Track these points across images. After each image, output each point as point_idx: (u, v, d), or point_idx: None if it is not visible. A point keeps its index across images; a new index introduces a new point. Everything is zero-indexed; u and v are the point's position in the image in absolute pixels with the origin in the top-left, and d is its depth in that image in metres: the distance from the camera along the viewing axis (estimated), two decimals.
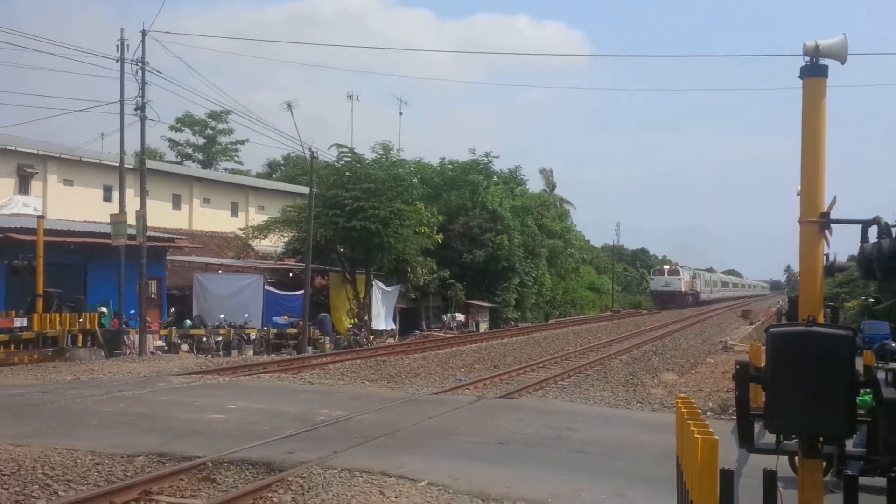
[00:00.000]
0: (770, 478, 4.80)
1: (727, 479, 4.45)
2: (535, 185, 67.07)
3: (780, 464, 5.40)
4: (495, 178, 50.99)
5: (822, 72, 5.62)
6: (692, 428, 4.77)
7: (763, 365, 5.22)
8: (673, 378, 20.20)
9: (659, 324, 45.61)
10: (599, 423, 13.33)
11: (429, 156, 55.40)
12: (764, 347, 5.56)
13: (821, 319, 5.33)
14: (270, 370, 19.92)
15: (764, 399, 5.13)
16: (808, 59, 5.62)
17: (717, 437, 4.40)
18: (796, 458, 5.29)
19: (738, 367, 5.34)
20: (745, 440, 5.30)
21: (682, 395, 11.34)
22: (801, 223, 5.50)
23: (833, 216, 5.56)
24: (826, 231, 5.54)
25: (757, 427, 5.44)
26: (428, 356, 23.80)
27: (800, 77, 5.66)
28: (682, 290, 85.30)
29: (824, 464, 5.62)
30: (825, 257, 5.58)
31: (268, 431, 11.50)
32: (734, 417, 6.93)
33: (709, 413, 14.01)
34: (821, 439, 5.12)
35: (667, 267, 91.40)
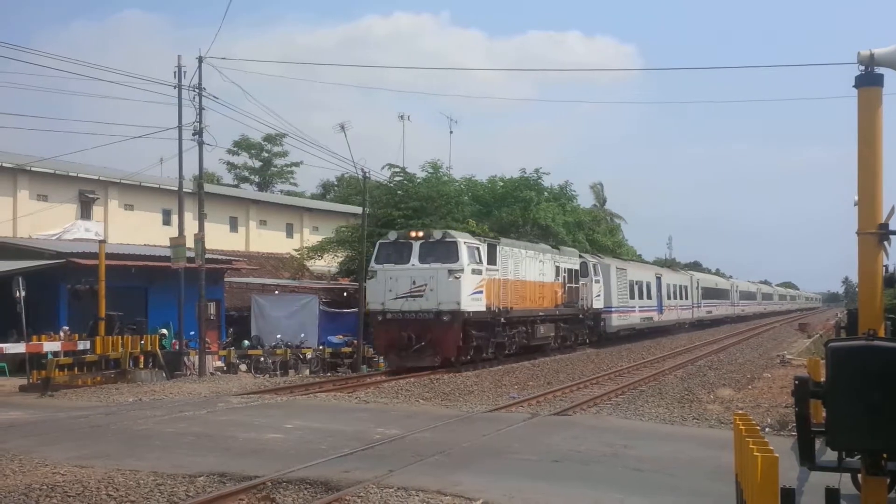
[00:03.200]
0: (832, 496, 4.73)
1: (788, 497, 4.40)
2: (585, 200, 66.85)
3: (843, 481, 5.31)
4: (546, 194, 50.90)
5: (877, 80, 5.56)
6: (751, 445, 4.72)
7: (823, 380, 5.15)
8: (729, 393, 19.86)
9: (713, 338, 44.93)
10: (655, 440, 13.18)
11: (480, 173, 55.63)
12: (823, 362, 5.47)
13: (881, 333, 5.24)
14: (326, 389, 20.07)
15: (825, 415, 5.05)
16: (862, 68, 5.56)
17: (777, 455, 4.34)
18: (859, 475, 5.20)
19: (797, 382, 5.27)
20: (807, 457, 5.22)
21: (740, 411, 11.23)
22: (860, 234, 5.43)
23: (893, 226, 5.48)
24: (885, 242, 5.46)
25: (818, 443, 5.36)
26: (481, 373, 23.76)
27: (854, 87, 5.60)
28: None
29: (888, 481, 5.49)
30: (884, 268, 5.49)
31: (325, 450, 11.60)
32: (794, 434, 6.81)
33: (767, 429, 13.76)
34: (884, 456, 5.02)
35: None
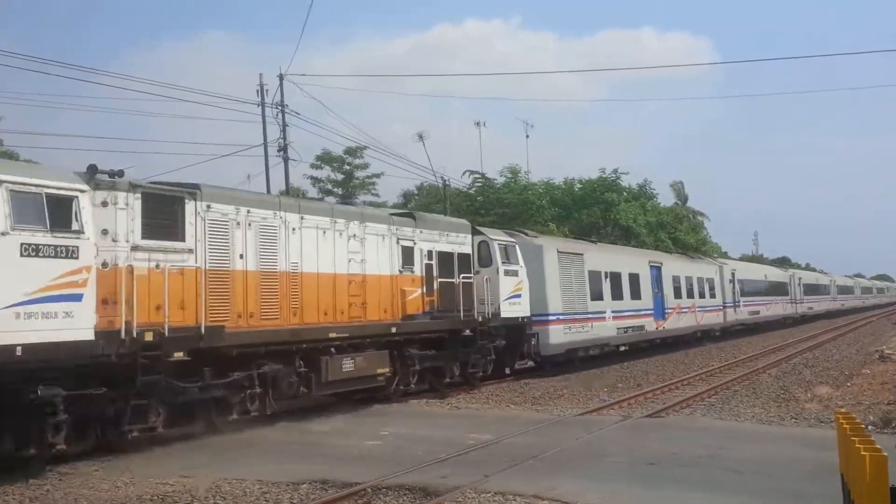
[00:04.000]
0: None
1: None
2: (666, 199, 65.83)
3: None
4: (625, 194, 50.43)
5: None
6: (858, 444, 4.70)
7: None
8: (828, 391, 19.41)
9: (807, 335, 43.69)
10: (752, 440, 13.00)
11: (557, 176, 55.35)
12: None
13: None
14: (418, 396, 20.20)
15: None
16: None
17: (885, 454, 4.32)
18: None
19: None
20: None
21: (841, 409, 10.98)
22: None
23: None
24: None
25: None
26: (570, 377, 23.70)
27: None
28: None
29: None
30: None
31: (421, 456, 11.79)
32: None
33: (870, 427, 13.42)
34: None
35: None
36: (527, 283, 22.90)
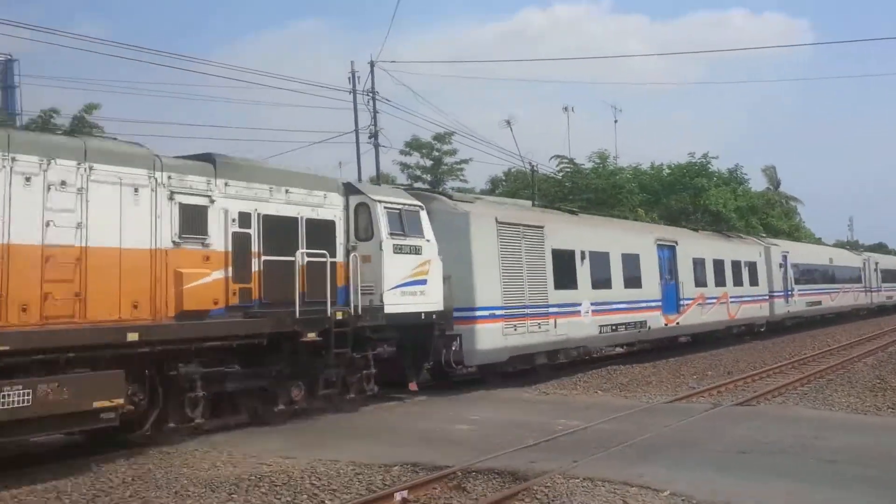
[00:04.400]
0: None
1: None
2: (757, 183, 64.30)
3: None
4: (715, 179, 49.43)
5: None
6: None
7: None
8: None
9: None
10: (847, 430, 12.75)
11: (645, 160, 54.61)
12: None
13: None
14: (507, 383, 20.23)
15: None
16: None
17: None
18: None
19: None
20: None
21: None
22: None
23: None
24: None
25: None
26: (658, 364, 23.50)
27: None
28: None
29: None
30: None
31: (509, 441, 11.92)
32: None
33: None
34: None
35: None
36: (439, 266, 16.49)
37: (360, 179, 28.11)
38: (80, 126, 30.70)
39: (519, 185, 43.74)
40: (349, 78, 27.26)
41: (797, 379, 19.60)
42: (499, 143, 55.23)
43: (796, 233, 59.51)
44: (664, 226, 32.90)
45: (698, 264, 28.41)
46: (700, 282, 28.17)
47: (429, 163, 42.72)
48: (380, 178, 28.60)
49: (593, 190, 34.28)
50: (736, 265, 31.65)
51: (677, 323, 26.25)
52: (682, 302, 26.60)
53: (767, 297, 34.11)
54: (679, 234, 28.97)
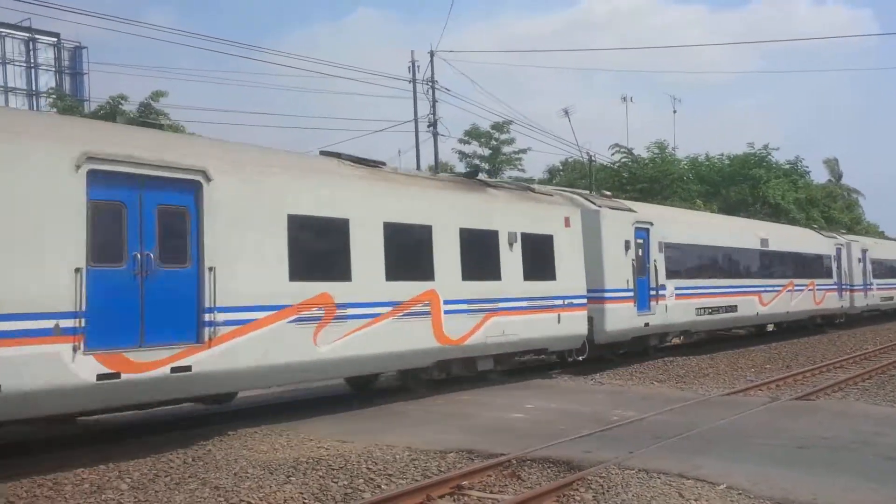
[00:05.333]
0: None
1: None
2: (819, 175, 63.10)
3: None
4: (774, 170, 48.63)
5: None
6: None
7: None
8: None
9: None
10: None
11: (706, 151, 53.95)
12: None
13: None
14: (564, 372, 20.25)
15: None
16: None
17: None
18: None
19: None
20: None
21: None
22: None
23: None
24: None
25: None
26: (716, 356, 23.28)
27: None
28: None
29: None
30: None
31: (564, 430, 11.96)
32: None
33: None
34: None
35: None
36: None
37: (418, 167, 28.28)
38: (147, 113, 31.34)
39: (576, 174, 43.55)
40: (409, 67, 27.40)
41: (858, 374, 19.27)
42: (556, 133, 55.12)
43: (857, 226, 58.25)
44: (761, 221, 34.09)
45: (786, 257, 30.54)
46: (788, 273, 30.38)
47: (487, 152, 42.74)
48: (438, 167, 28.70)
49: (647, 179, 33.91)
50: (818, 258, 33.35)
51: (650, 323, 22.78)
52: (772, 289, 28.91)
53: (846, 289, 35.36)
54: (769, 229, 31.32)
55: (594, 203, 20.99)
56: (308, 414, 13.54)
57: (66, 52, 49.61)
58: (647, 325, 21.76)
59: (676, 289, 23.21)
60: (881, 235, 59.63)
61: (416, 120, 26.95)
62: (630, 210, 22.43)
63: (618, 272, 20.73)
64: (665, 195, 34.45)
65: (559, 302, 18.28)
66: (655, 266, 22.30)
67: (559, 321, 18.27)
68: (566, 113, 31.45)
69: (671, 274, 23.02)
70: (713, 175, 47.32)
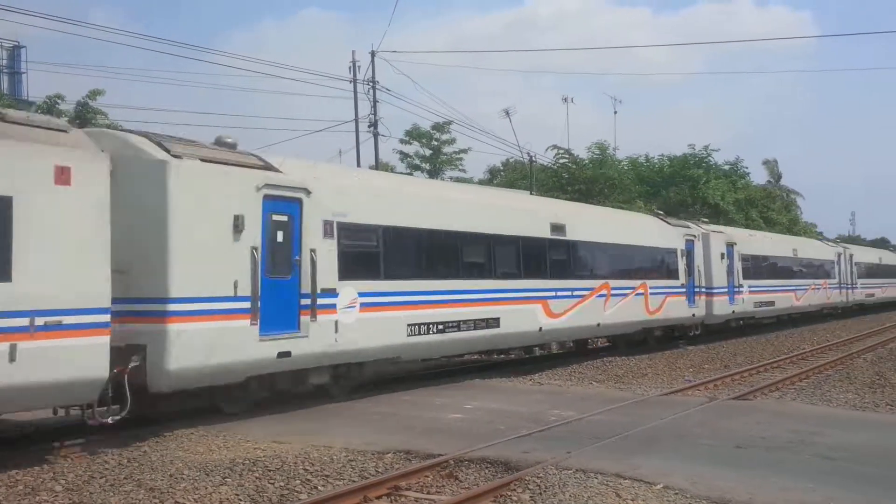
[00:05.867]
0: None
1: None
2: (759, 177, 64.39)
3: None
4: (714, 171, 49.46)
5: None
6: None
7: None
8: None
9: None
10: (845, 427, 12.64)
11: (648, 152, 54.71)
12: None
13: None
14: (501, 372, 20.21)
15: None
16: None
17: None
18: None
19: None
20: None
21: None
22: None
23: None
24: None
25: None
26: (654, 356, 23.43)
27: None
28: None
29: None
30: None
31: (503, 431, 11.85)
32: None
33: None
34: None
35: None
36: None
37: (358, 166, 28.02)
38: (84, 112, 30.59)
39: (517, 175, 43.70)
40: (349, 67, 27.16)
41: (795, 374, 19.53)
42: (498, 134, 55.33)
43: (795, 226, 59.51)
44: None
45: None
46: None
47: (428, 152, 42.62)
48: (378, 167, 28.47)
49: (585, 181, 34.15)
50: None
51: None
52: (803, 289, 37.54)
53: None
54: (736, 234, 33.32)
55: (703, 228, 28.94)
56: (245, 415, 13.23)
57: (5, 52, 48.32)
58: (733, 312, 29.95)
59: (749, 287, 31.19)
60: (818, 236, 60.95)
61: (356, 120, 26.79)
62: (722, 233, 30.30)
63: (720, 277, 28.65)
64: (604, 196, 34.69)
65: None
66: (737, 271, 30.25)
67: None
68: (507, 113, 31.55)
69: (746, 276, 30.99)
70: (654, 176, 47.88)
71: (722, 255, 29.24)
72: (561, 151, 40.75)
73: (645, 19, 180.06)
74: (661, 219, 28.25)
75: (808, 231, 65.48)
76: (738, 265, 30.59)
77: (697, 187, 46.14)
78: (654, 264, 25.53)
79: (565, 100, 52.05)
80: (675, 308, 26.07)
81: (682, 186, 46.36)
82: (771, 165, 72.00)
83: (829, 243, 46.99)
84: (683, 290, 26.53)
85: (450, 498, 8.75)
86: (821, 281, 40.61)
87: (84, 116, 29.74)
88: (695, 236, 27.93)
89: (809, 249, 41.36)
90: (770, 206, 56.62)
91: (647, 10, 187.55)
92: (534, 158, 32.30)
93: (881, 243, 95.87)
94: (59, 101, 30.81)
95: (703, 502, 8.49)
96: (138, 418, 11.76)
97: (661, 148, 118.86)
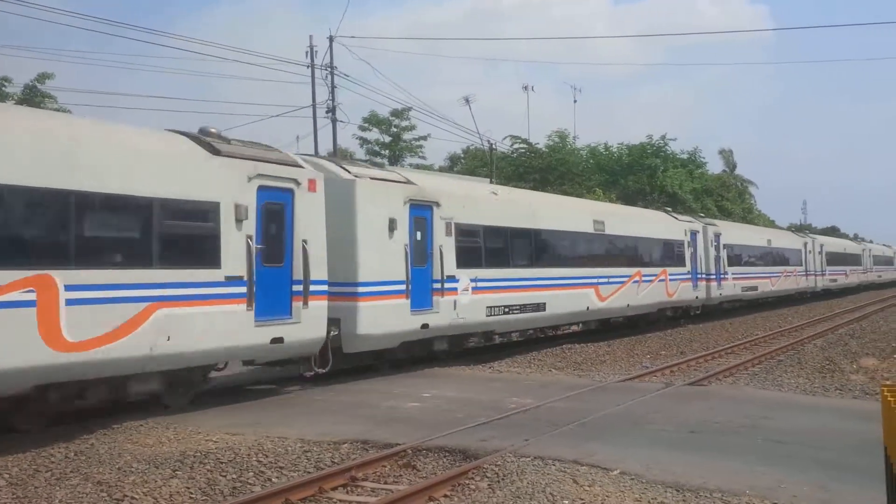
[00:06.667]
0: None
1: None
2: (715, 166, 65.18)
3: None
4: (672, 161, 49.94)
5: None
6: None
7: None
8: (874, 363, 19.13)
9: (854, 305, 43.08)
10: (796, 411, 12.87)
11: (608, 142, 55.13)
12: None
13: None
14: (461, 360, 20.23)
15: None
16: None
17: None
18: None
19: None
20: None
21: (887, 381, 10.83)
22: None
23: None
24: None
25: None
26: (613, 343, 23.64)
27: None
28: None
29: None
30: None
31: (461, 419, 11.86)
32: None
33: None
34: None
35: None
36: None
37: (316, 153, 27.80)
38: (32, 95, 30.03)
39: (477, 162, 43.71)
40: (307, 52, 26.91)
41: (749, 360, 19.82)
42: (459, 121, 55.23)
43: (749, 215, 60.35)
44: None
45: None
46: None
47: (387, 138, 42.46)
48: (337, 153, 28.29)
49: (542, 169, 34.31)
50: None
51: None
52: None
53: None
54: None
55: (701, 222, 32.38)
56: (198, 406, 13.09)
57: None
58: (722, 294, 34.04)
59: (733, 274, 34.76)
60: (772, 224, 61.93)
61: (314, 105, 26.53)
62: (715, 225, 34.04)
63: (713, 265, 32.71)
64: (561, 184, 34.88)
65: None
66: (723, 259, 33.64)
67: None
68: (467, 101, 31.49)
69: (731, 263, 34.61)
70: (613, 164, 48.23)
71: (714, 245, 33.18)
72: (518, 140, 40.92)
73: (605, 9, 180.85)
74: (669, 214, 32.39)
75: (763, 219, 66.42)
76: (723, 254, 34.11)
77: (656, 176, 46.55)
78: (669, 254, 29.52)
79: (525, 88, 52.13)
80: (685, 292, 30.51)
81: (641, 175, 46.75)
82: (726, 155, 72.97)
83: (799, 234, 51.18)
84: (689, 275, 30.73)
85: (407, 487, 8.72)
86: (792, 268, 44.62)
87: (32, 100, 29.22)
88: (696, 230, 31.91)
89: (782, 240, 45.52)
90: (725, 196, 57.34)
91: (607, 1, 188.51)
92: (494, 146, 32.32)
93: (831, 231, 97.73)
94: (5, 83, 30.25)
95: (658, 487, 8.58)
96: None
97: (620, 137, 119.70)
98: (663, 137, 50.25)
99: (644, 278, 26.99)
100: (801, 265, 46.50)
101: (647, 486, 8.63)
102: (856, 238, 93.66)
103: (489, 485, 8.70)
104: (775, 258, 42.55)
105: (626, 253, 26.69)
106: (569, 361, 19.76)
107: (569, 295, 22.72)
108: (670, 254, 29.62)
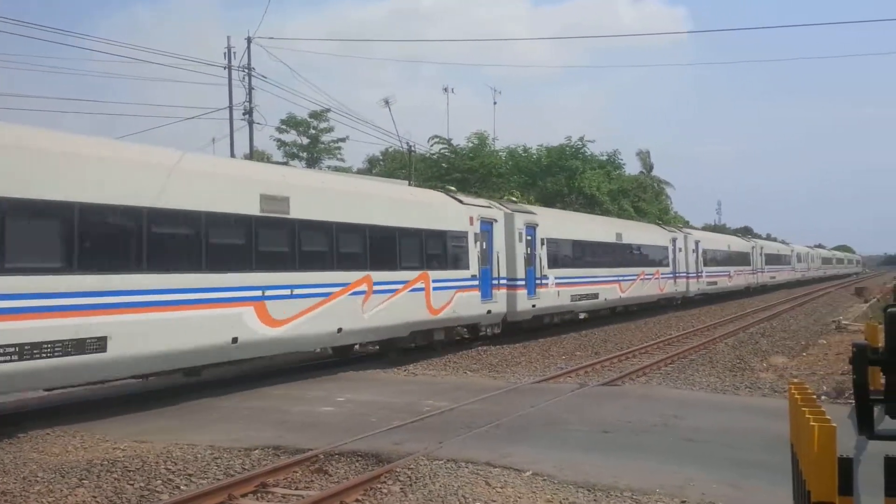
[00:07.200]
0: (892, 465, 4.61)
1: (846, 467, 4.30)
2: (633, 167, 66.32)
3: None
4: (591, 163, 50.63)
5: None
6: (807, 415, 4.63)
7: (881, 345, 5.01)
8: (783, 361, 19.63)
9: (765, 304, 44.30)
10: (707, 409, 13.09)
11: (528, 143, 55.60)
12: (881, 326, 5.33)
13: None
14: (377, 363, 20.08)
15: (883, 381, 4.93)
16: None
17: (834, 424, 4.26)
18: None
19: (855, 349, 5.13)
20: (865, 426, 5.09)
21: (795, 379, 11.06)
22: None
23: None
24: None
25: (877, 411, 5.25)
26: (528, 345, 23.76)
27: None
28: None
29: None
30: None
31: (375, 423, 11.71)
32: (851, 401, 6.69)
33: (823, 397, 13.59)
34: None
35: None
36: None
37: (232, 155, 27.27)
38: None
39: (396, 164, 43.61)
40: (224, 53, 26.40)
41: (661, 359, 20.12)
42: (378, 123, 55.12)
43: (665, 216, 61.60)
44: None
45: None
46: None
47: (305, 141, 41.97)
48: (253, 155, 27.80)
49: (464, 170, 34.41)
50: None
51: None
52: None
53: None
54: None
55: (506, 208, 28.67)
56: (105, 414, 12.72)
57: None
58: (534, 306, 26.80)
59: (556, 278, 32.36)
60: (688, 225, 63.36)
61: (230, 107, 26.04)
62: (532, 213, 29.89)
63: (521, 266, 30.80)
64: (481, 185, 35.01)
65: None
66: (539, 258, 31.32)
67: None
68: (387, 103, 31.31)
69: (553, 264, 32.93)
70: (532, 166, 48.62)
71: (528, 240, 25.47)
72: (441, 141, 40.96)
73: (524, 12, 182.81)
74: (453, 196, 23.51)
75: (678, 220, 67.93)
76: (540, 251, 26.24)
77: (574, 178, 47.09)
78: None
79: (445, 90, 52.20)
80: (466, 305, 22.13)
81: (559, 177, 47.23)
82: (644, 156, 74.25)
83: (667, 228, 42.53)
84: (473, 282, 22.42)
85: (318, 493, 8.55)
86: (653, 269, 36.53)
87: None
88: (495, 218, 23.77)
89: (641, 234, 37.22)
90: (641, 196, 58.36)
91: (527, 2, 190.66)
92: (413, 148, 32.23)
93: (745, 231, 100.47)
94: None
95: (570, 487, 8.58)
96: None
97: (543, 138, 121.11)
98: (581, 139, 50.96)
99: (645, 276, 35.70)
100: (669, 266, 38.59)
101: (560, 486, 8.63)
102: (769, 238, 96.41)
103: (401, 488, 8.60)
104: (628, 257, 34.32)
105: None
106: (484, 364, 19.76)
107: (609, 289, 31.55)
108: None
